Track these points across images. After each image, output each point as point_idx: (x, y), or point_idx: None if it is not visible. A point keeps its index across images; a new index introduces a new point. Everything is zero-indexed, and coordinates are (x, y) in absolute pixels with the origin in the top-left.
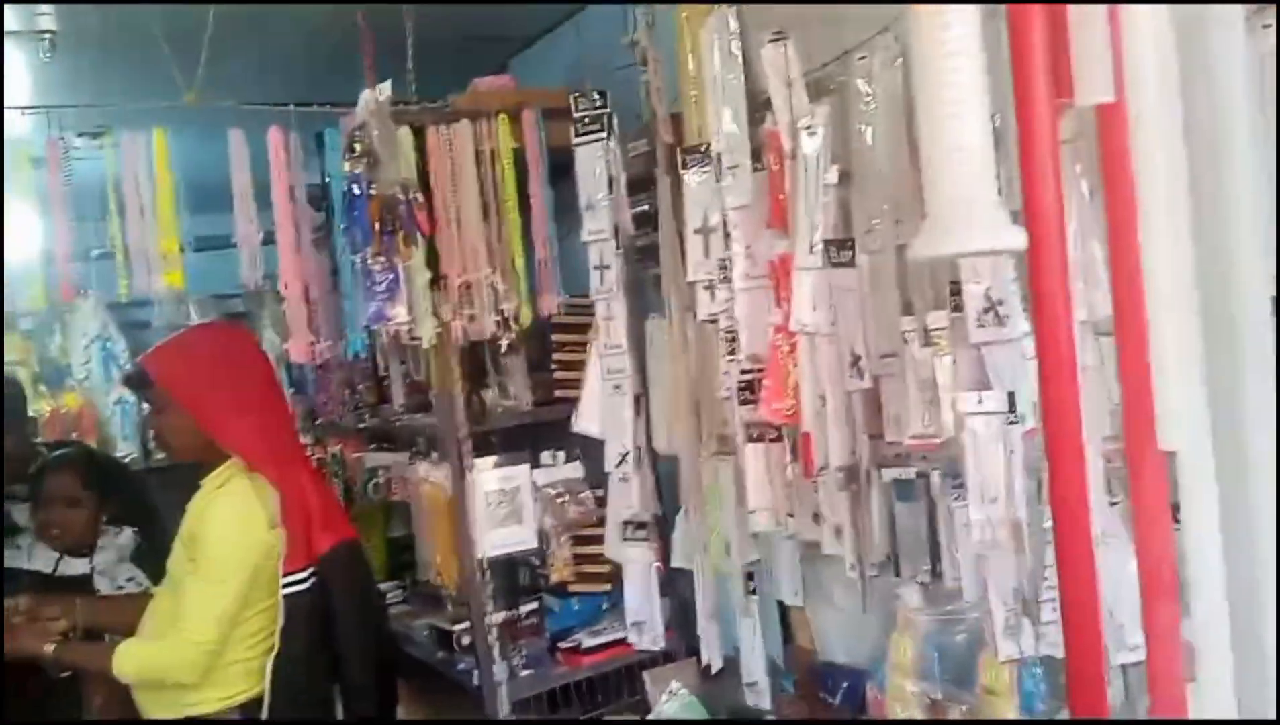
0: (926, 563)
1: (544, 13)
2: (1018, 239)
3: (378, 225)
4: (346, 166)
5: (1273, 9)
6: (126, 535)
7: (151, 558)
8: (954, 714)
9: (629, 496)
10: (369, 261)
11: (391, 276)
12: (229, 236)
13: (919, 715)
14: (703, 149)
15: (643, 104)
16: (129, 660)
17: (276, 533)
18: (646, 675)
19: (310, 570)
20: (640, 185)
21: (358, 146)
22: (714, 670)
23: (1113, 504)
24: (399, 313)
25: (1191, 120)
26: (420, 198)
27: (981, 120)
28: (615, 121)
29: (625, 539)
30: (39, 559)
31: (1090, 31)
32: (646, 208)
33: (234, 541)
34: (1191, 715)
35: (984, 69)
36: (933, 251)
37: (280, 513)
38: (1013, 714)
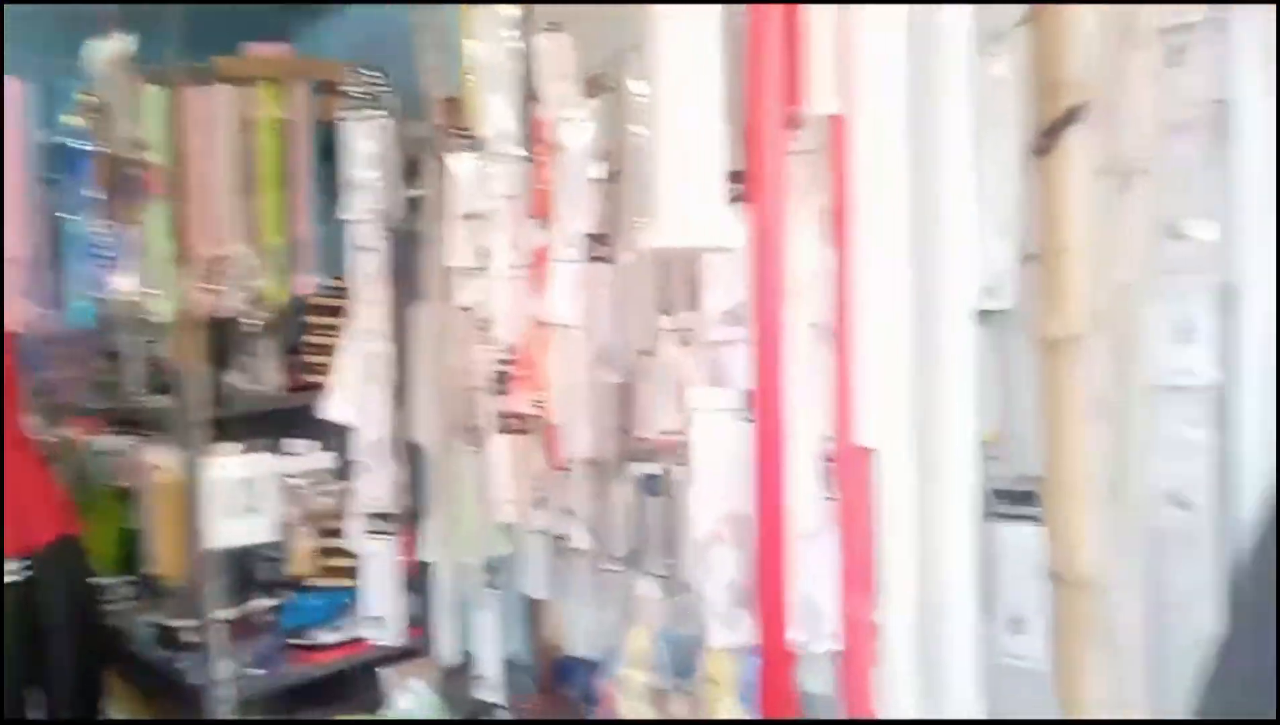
0: (666, 557)
1: None
2: (736, 239)
3: (108, 188)
4: (74, 118)
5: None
6: None
7: None
8: (677, 703)
9: (375, 487)
10: (94, 226)
11: (119, 242)
12: None
13: (643, 706)
14: (473, 134)
15: (421, 83)
16: None
17: None
18: (381, 673)
19: (24, 564)
20: (416, 169)
21: (86, 100)
22: (449, 666)
23: (828, 499)
24: (126, 282)
25: (915, 137)
26: (154, 159)
27: (715, 120)
28: (395, 101)
29: (368, 532)
30: None
31: (819, 42)
32: (420, 192)
33: None
34: (875, 697)
35: (720, 72)
36: (656, 244)
37: None
38: (732, 702)
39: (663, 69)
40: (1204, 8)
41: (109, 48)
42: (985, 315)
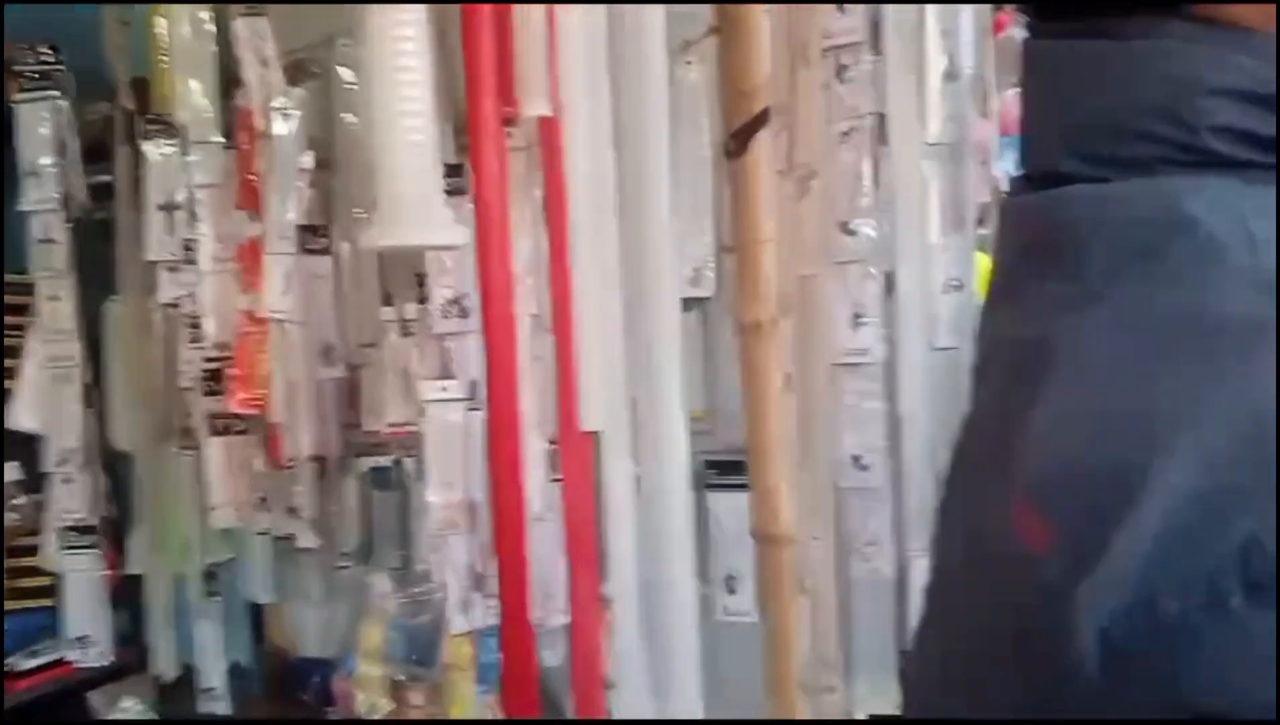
0: (399, 549)
1: None
2: (458, 236)
3: None
4: None
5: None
6: None
7: None
8: (416, 692)
9: (73, 499)
10: None
11: None
12: None
13: (383, 700)
14: (168, 120)
15: (105, 66)
16: None
17: None
18: (92, 695)
19: None
20: (100, 153)
21: None
22: (167, 680)
23: (555, 481)
24: None
25: (620, 137)
26: None
27: (430, 119)
28: (71, 81)
29: (67, 547)
30: None
31: (531, 49)
32: (107, 178)
33: None
34: (607, 670)
35: (433, 70)
36: (379, 242)
37: None
38: (471, 686)
39: (375, 62)
40: (863, 29)
41: None
42: (689, 302)
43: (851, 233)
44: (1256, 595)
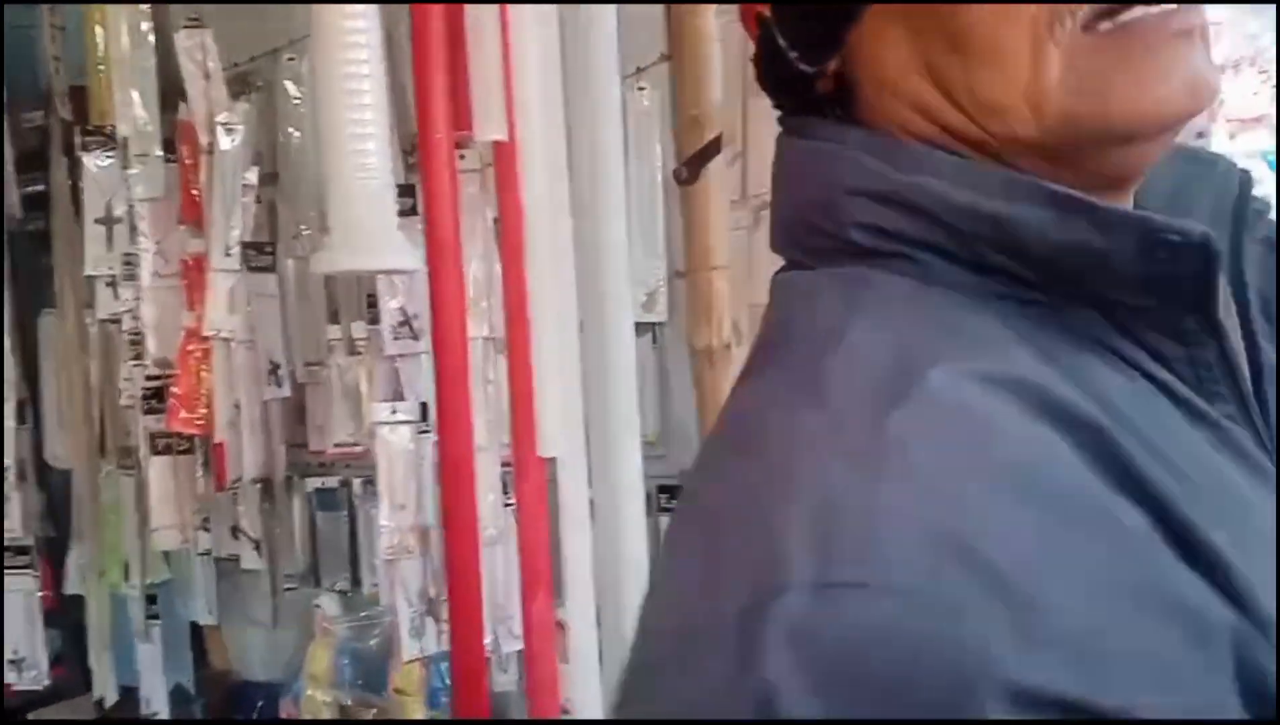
0: (346, 571)
1: None
2: (413, 260)
3: None
4: None
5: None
6: None
7: None
8: (365, 717)
9: (9, 518)
10: None
11: None
12: None
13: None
14: (108, 131)
15: (40, 72)
16: None
17: None
18: (30, 718)
19: None
20: (34, 163)
21: None
22: (108, 704)
23: (507, 505)
24: None
25: (574, 162)
26: None
27: (383, 142)
28: (3, 88)
29: (4, 566)
30: None
31: (485, 74)
32: (42, 188)
33: None
34: (563, 692)
35: (386, 93)
36: (332, 268)
37: None
38: (421, 712)
39: (324, 80)
40: None
41: None
42: (642, 326)
43: None
44: None
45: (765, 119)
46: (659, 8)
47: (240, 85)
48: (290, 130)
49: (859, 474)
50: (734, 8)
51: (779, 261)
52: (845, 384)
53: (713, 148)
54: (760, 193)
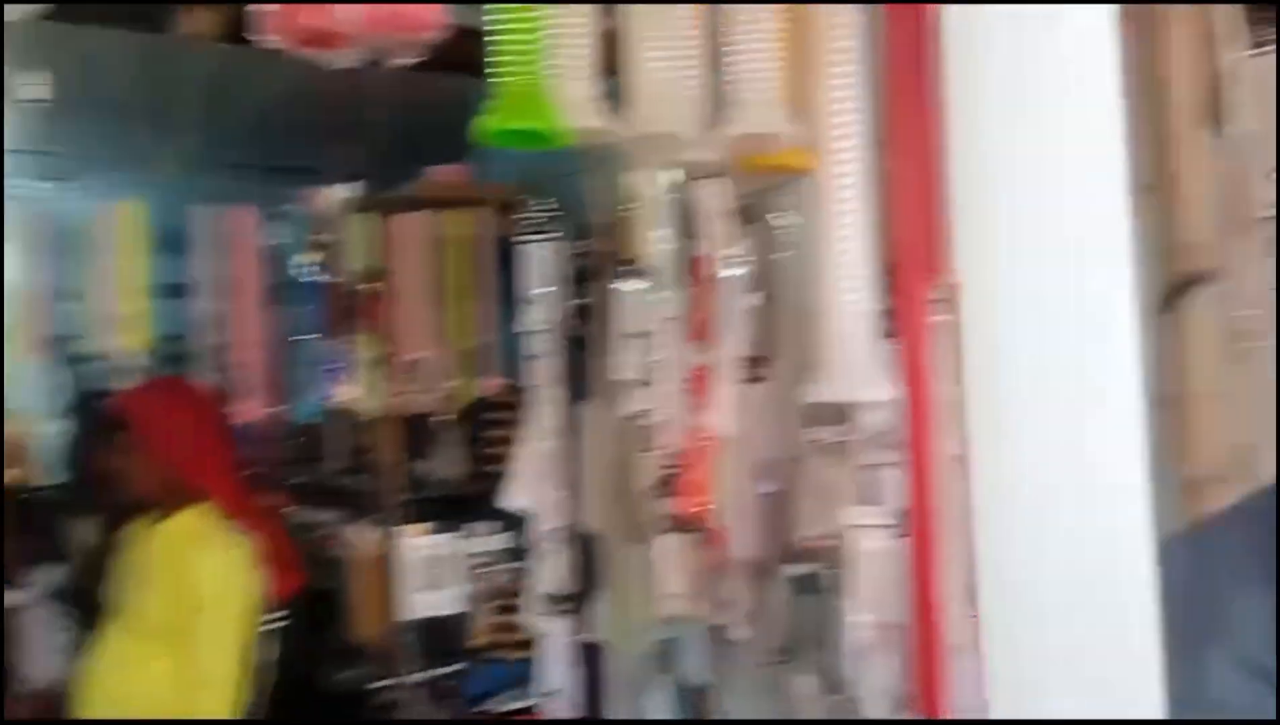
0: (819, 654)
1: None
2: (886, 392)
3: (335, 312)
4: (307, 256)
5: None
6: (56, 572)
7: (79, 596)
8: None
9: (550, 570)
10: (325, 343)
11: (344, 357)
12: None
13: None
14: (635, 261)
15: (588, 205)
16: None
17: (254, 577)
18: None
19: (281, 611)
20: (581, 281)
21: (318, 239)
22: None
23: (972, 617)
24: (349, 391)
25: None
26: (376, 287)
27: (866, 280)
28: (561, 223)
29: (545, 611)
30: None
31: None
32: (587, 301)
33: (240, 581)
34: None
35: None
36: (816, 398)
37: (259, 552)
38: None
39: (817, 223)
40: None
41: (339, 192)
42: None
43: None
44: None
45: (1251, 256)
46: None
47: (743, 216)
48: (778, 256)
49: None
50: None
51: (1266, 393)
52: None
53: (1198, 279)
54: (1249, 329)
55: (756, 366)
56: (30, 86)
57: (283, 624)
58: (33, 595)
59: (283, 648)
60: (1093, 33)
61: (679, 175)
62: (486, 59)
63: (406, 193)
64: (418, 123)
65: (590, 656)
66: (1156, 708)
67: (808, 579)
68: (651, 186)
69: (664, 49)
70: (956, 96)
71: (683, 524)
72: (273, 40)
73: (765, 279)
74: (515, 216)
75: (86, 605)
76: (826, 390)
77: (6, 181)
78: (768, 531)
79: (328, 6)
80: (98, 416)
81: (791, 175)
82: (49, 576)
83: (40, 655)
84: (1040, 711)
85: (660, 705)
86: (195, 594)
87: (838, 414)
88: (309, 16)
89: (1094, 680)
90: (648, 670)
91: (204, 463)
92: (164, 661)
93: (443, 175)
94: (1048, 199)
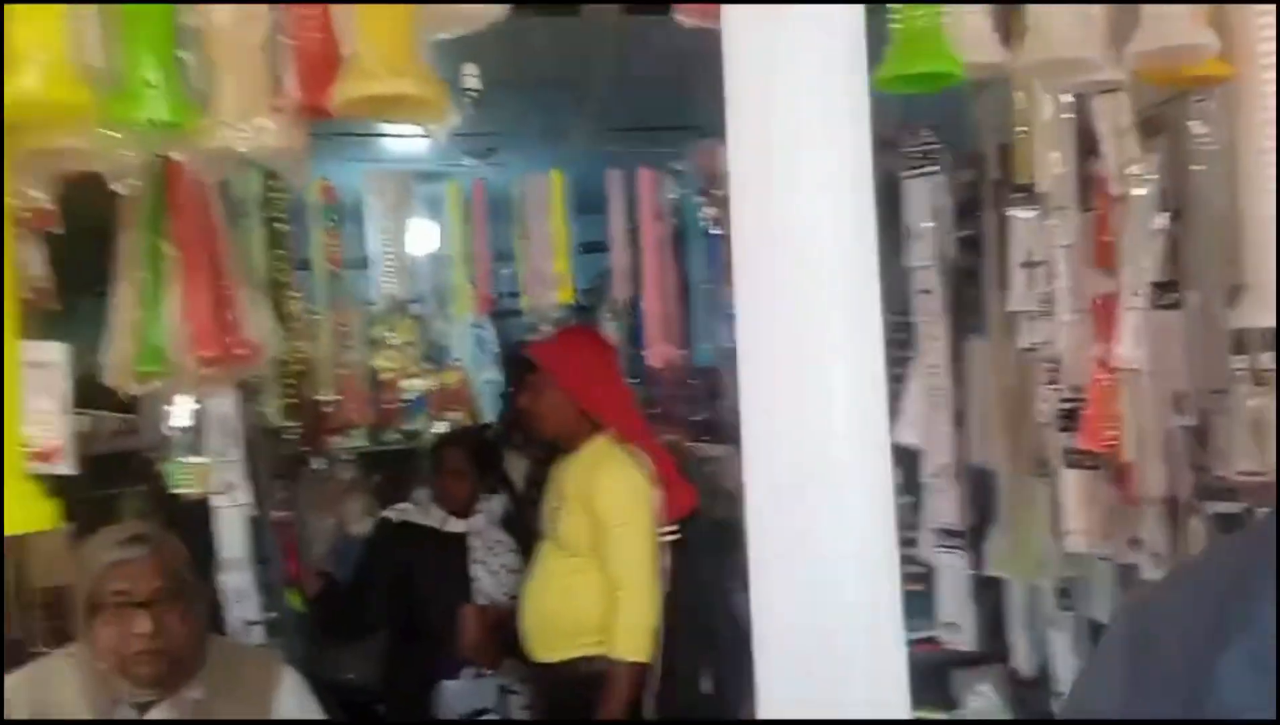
0: None
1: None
2: None
3: (729, 260)
4: (704, 210)
5: None
6: (498, 502)
7: (518, 522)
8: None
9: (943, 506)
10: (721, 289)
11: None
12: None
13: None
14: (1030, 187)
15: (971, 135)
16: (635, 640)
17: (651, 492)
18: (955, 674)
19: (678, 524)
20: (964, 211)
21: (713, 193)
22: (1023, 676)
23: None
24: None
25: None
26: None
27: None
28: (946, 155)
29: (938, 545)
30: (432, 517)
31: None
32: (970, 233)
33: (642, 497)
34: None
35: None
36: (1249, 323)
37: (654, 473)
38: None
39: (1243, 130)
40: None
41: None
42: None
43: None
44: None
45: None
46: None
47: (1148, 128)
48: (1194, 168)
49: None
50: None
51: None
52: None
53: None
54: None
55: (1167, 292)
56: (468, 78)
57: (677, 539)
58: (480, 522)
59: (685, 568)
60: None
61: (1073, 93)
62: None
63: None
64: None
65: (986, 591)
66: None
67: (1233, 518)
68: (1045, 108)
69: None
70: None
71: (1087, 459)
72: (687, 16)
73: (1176, 196)
74: (896, 150)
75: (524, 530)
76: (1253, 314)
77: (443, 160)
78: (1184, 467)
79: None
80: (516, 364)
81: (1203, 85)
82: (492, 505)
83: (488, 576)
84: None
85: (1063, 644)
86: (603, 512)
87: (1265, 339)
88: None
89: None
90: (1049, 608)
91: (604, 399)
92: (587, 576)
93: None
94: None
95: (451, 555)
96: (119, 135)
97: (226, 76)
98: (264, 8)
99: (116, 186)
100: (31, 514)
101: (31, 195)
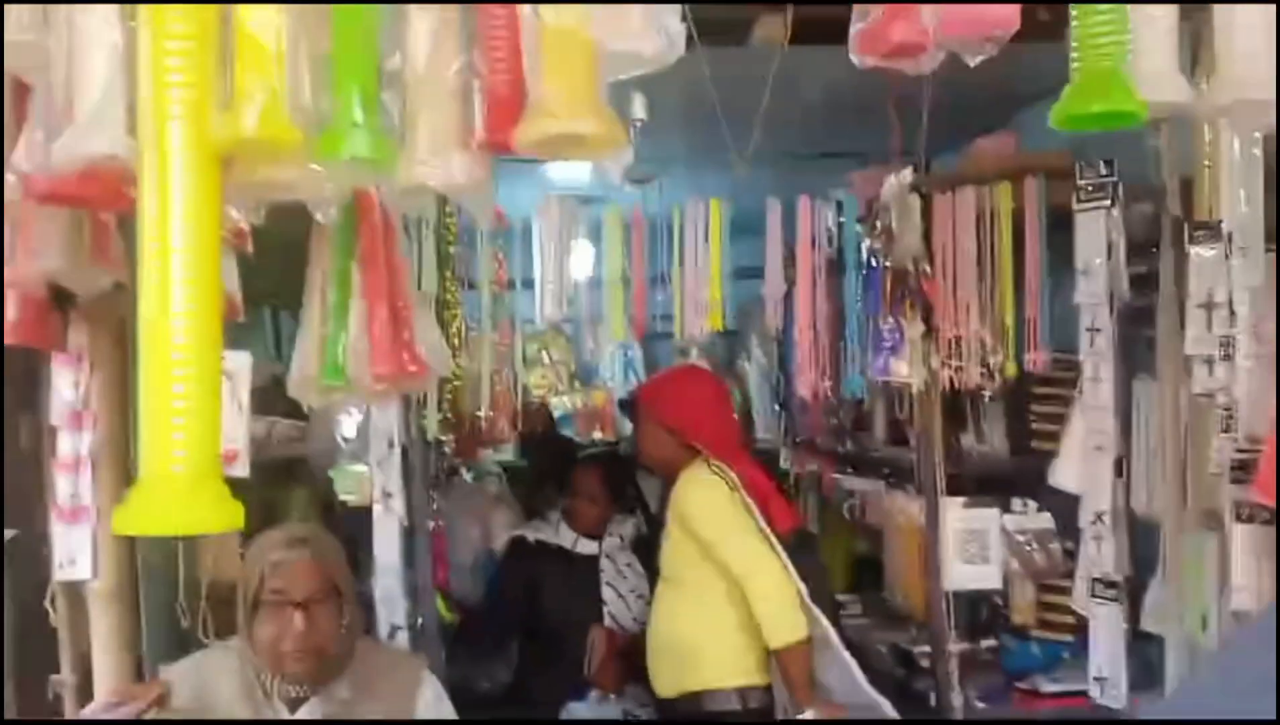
0: None
1: (1050, 71)
2: None
3: (889, 293)
4: (866, 242)
5: None
6: (630, 524)
7: (647, 545)
8: None
9: (1101, 555)
10: (879, 321)
11: (897, 336)
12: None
13: None
14: (1213, 224)
15: (1150, 168)
16: (779, 621)
17: (735, 495)
18: None
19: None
20: (1138, 248)
21: (878, 225)
22: None
23: None
24: (902, 368)
25: None
26: (929, 269)
27: None
28: (1120, 189)
29: (1094, 595)
30: (563, 537)
31: None
32: (1143, 270)
33: (721, 499)
34: None
35: None
36: None
37: (736, 481)
38: None
39: None
40: None
41: (899, 178)
42: None
43: None
44: None
45: None
46: None
47: None
48: None
49: None
50: None
51: None
52: None
53: None
54: None
55: None
56: (637, 108)
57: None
58: (612, 545)
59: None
60: None
61: (1262, 131)
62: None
63: (953, 168)
64: (960, 95)
65: (1141, 647)
66: None
67: None
68: (1232, 144)
69: (1258, 9)
70: None
71: (1261, 513)
72: (862, 58)
73: None
74: (1068, 183)
75: (647, 554)
76: None
77: (604, 186)
78: None
79: (920, 21)
80: (623, 403)
81: None
82: (625, 528)
83: (616, 600)
84: None
85: None
86: (695, 526)
87: None
88: (902, 33)
89: None
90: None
91: (701, 432)
92: (689, 606)
93: (989, 146)
94: None
95: (582, 577)
96: (323, 170)
97: (421, 115)
98: (457, 49)
99: (317, 215)
100: (221, 515)
101: (232, 216)
